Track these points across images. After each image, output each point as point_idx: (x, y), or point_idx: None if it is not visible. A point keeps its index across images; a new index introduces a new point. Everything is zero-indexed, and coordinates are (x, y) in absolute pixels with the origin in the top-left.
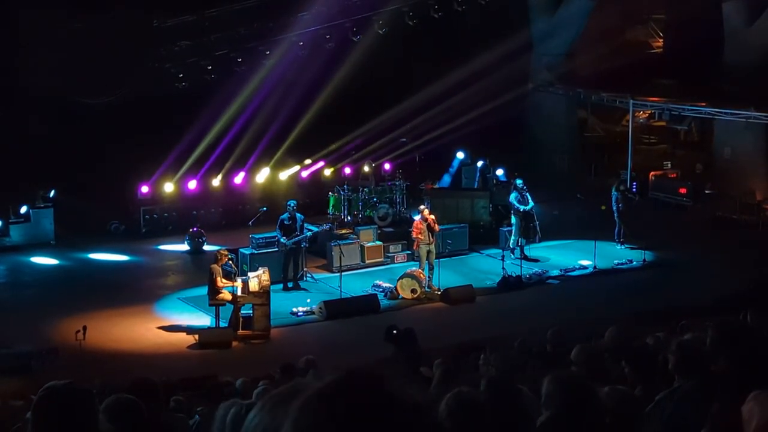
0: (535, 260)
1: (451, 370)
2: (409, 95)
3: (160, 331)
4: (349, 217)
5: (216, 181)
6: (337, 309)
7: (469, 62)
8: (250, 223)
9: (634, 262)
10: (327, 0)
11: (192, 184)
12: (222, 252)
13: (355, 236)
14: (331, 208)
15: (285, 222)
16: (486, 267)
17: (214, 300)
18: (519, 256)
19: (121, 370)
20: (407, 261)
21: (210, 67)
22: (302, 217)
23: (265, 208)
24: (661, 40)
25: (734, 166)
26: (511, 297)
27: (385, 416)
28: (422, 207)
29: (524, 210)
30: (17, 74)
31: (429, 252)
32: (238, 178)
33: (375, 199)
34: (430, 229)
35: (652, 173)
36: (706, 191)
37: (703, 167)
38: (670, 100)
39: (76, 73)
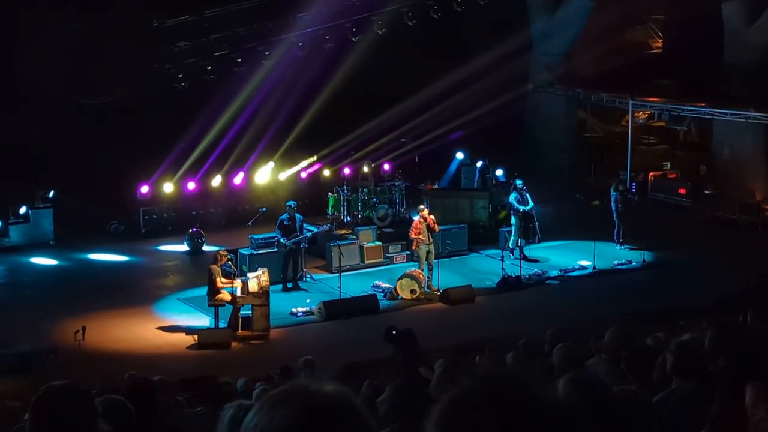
0: (535, 260)
1: (449, 370)
2: (408, 96)
3: (160, 331)
4: (348, 218)
5: (215, 182)
6: (336, 309)
7: (468, 63)
8: (250, 223)
9: (634, 263)
10: (326, 0)
11: (191, 185)
12: (221, 252)
13: (354, 237)
14: (330, 208)
15: (284, 222)
16: (485, 267)
17: (213, 300)
18: (518, 257)
19: (120, 370)
20: (407, 261)
21: (209, 68)
22: (301, 217)
23: (264, 209)
24: (660, 41)
25: (734, 166)
26: (510, 297)
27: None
28: (421, 207)
29: (524, 210)
30: (17, 74)
31: (428, 252)
32: (238, 179)
33: (374, 200)
34: (429, 229)
35: (651, 174)
36: (706, 192)
37: (707, 168)
38: (670, 100)
39: (75, 74)
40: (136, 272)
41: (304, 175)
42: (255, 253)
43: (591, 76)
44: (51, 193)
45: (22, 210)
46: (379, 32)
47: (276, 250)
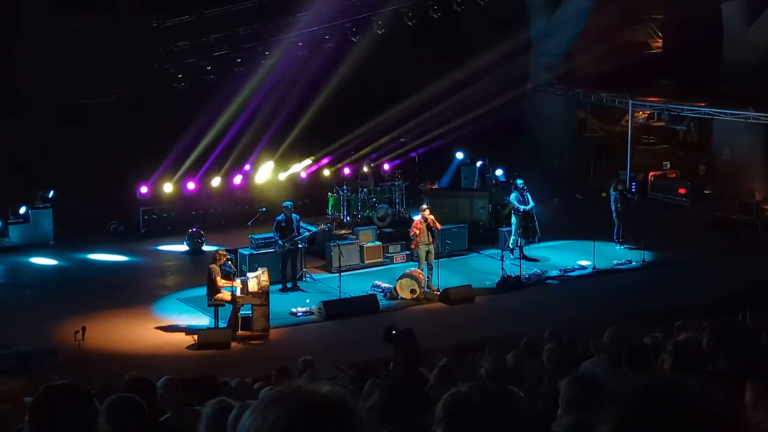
0: (535, 260)
1: (448, 370)
2: (408, 96)
3: (159, 331)
4: (348, 218)
5: (215, 182)
6: (336, 309)
7: (468, 62)
8: (249, 223)
9: (634, 263)
10: (326, 0)
11: (191, 185)
12: (221, 252)
13: (354, 236)
14: (330, 208)
15: (281, 224)
16: (485, 267)
17: (213, 300)
18: (518, 256)
19: (119, 370)
20: (406, 261)
21: (209, 68)
22: (298, 217)
23: (264, 209)
24: (660, 41)
25: (733, 166)
26: (510, 297)
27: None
28: (423, 206)
29: (524, 210)
30: (16, 74)
31: (428, 252)
32: (237, 179)
33: (374, 200)
34: (429, 228)
35: (651, 173)
36: (706, 191)
37: (706, 168)
38: (670, 100)
39: (75, 74)
40: (136, 272)
41: (303, 174)
42: (255, 252)
43: (591, 75)
44: (51, 193)
45: (22, 210)
46: (379, 32)
47: (275, 250)
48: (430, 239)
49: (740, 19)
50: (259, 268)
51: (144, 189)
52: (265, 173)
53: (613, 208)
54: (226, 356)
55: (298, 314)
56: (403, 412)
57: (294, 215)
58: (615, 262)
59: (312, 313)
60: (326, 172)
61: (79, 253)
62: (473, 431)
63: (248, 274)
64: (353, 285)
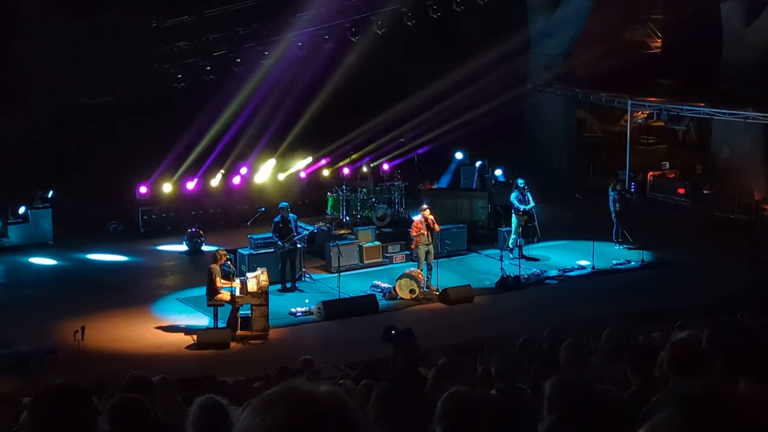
0: (535, 259)
1: (445, 370)
2: (407, 95)
3: (159, 331)
4: (347, 218)
5: (215, 182)
6: (335, 309)
7: (467, 62)
8: (249, 223)
9: (633, 263)
10: (326, 0)
11: (191, 185)
12: (220, 252)
13: (353, 236)
14: (329, 208)
15: (279, 225)
16: (484, 267)
17: (212, 300)
18: (517, 256)
19: (119, 370)
20: (406, 261)
21: (209, 68)
22: (295, 216)
23: (263, 209)
24: (659, 40)
25: (732, 166)
26: (509, 297)
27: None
28: (423, 206)
29: (524, 209)
30: (16, 74)
31: (428, 252)
32: (237, 179)
33: (373, 200)
34: (429, 228)
35: (650, 173)
36: (705, 191)
37: (703, 168)
38: (669, 100)
39: (74, 74)
40: (135, 272)
41: (303, 174)
42: (254, 252)
43: (590, 75)
44: (50, 193)
45: (21, 210)
46: (379, 32)
47: (274, 251)
48: (430, 239)
49: (739, 19)
50: (258, 268)
51: (143, 189)
52: (265, 173)
53: (611, 208)
54: (226, 356)
55: (298, 314)
56: (402, 412)
57: (291, 215)
58: (614, 262)
59: (311, 313)
60: (325, 172)
61: (78, 253)
62: (473, 431)
63: (247, 274)
64: (353, 285)
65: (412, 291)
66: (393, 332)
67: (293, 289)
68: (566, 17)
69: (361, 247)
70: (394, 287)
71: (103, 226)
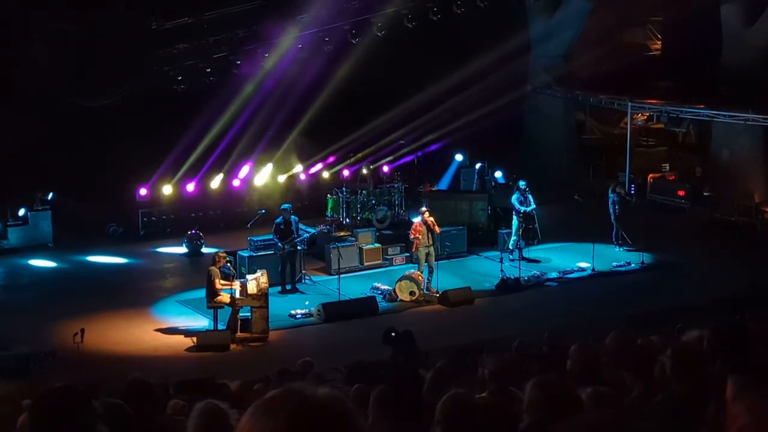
0: (535, 261)
1: (442, 372)
2: (407, 98)
3: (158, 333)
4: (347, 220)
5: (214, 184)
6: (335, 311)
7: (467, 64)
8: (249, 225)
9: (633, 265)
10: (326, 2)
11: (190, 187)
12: (220, 254)
13: (353, 238)
14: (329, 210)
15: (281, 226)
16: (484, 269)
17: (212, 302)
18: (517, 258)
19: (119, 372)
20: (406, 263)
21: (208, 70)
22: (297, 219)
23: (263, 211)
24: (659, 42)
25: (732, 168)
26: (509, 299)
27: None
28: (423, 209)
29: (525, 211)
30: (15, 76)
31: (428, 254)
32: (237, 181)
33: (373, 202)
34: (430, 230)
35: (650, 175)
36: (705, 193)
37: (702, 170)
38: (669, 102)
39: (74, 75)
40: (135, 274)
41: (303, 177)
42: (254, 255)
43: (590, 77)
44: (50, 195)
45: (21, 212)
46: (379, 34)
47: (274, 252)
48: (430, 241)
49: (739, 21)
50: (258, 270)
51: (143, 191)
52: (265, 175)
53: (611, 210)
54: (225, 358)
55: (298, 316)
56: (401, 415)
57: (293, 217)
58: (614, 264)
59: (311, 315)
60: (325, 174)
61: (78, 255)
62: None
63: (247, 276)
64: (352, 287)
65: (412, 293)
66: (393, 334)
67: (293, 291)
68: (566, 19)
69: (361, 249)
70: (394, 289)
71: (102, 228)
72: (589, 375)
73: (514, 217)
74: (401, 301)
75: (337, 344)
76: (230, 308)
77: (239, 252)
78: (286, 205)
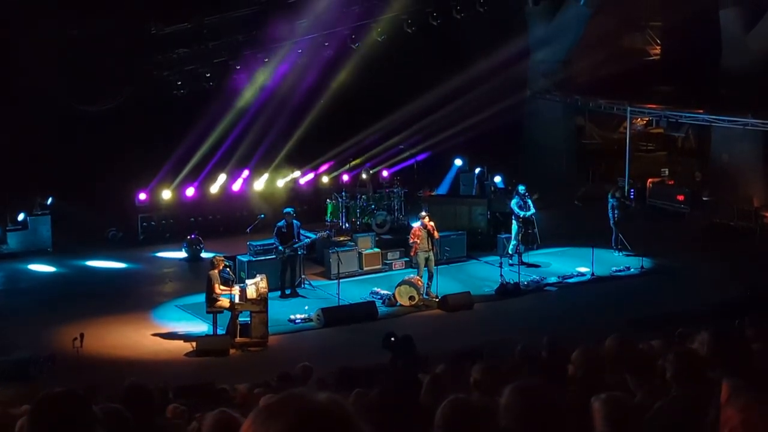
0: (534, 266)
1: (439, 378)
2: (407, 102)
3: (158, 338)
4: (347, 224)
5: (214, 188)
6: (335, 316)
7: (467, 69)
8: (248, 230)
9: (632, 269)
10: (326, 7)
11: (190, 191)
12: (218, 258)
13: (353, 243)
14: (329, 215)
15: (282, 230)
16: (484, 274)
17: (211, 307)
18: (517, 262)
19: (118, 377)
20: (405, 268)
21: (208, 75)
22: (299, 224)
23: (263, 215)
24: (658, 47)
25: (732, 172)
26: (509, 304)
27: None
28: (423, 213)
29: (524, 216)
30: (14, 81)
31: (428, 259)
32: (236, 185)
33: (373, 206)
34: (429, 235)
35: (649, 180)
36: (704, 198)
37: (702, 174)
38: (668, 107)
39: (73, 80)
40: (135, 279)
41: (302, 182)
42: (253, 259)
43: (589, 82)
44: (49, 200)
45: (20, 217)
46: (379, 39)
47: (274, 256)
48: (430, 246)
49: (739, 26)
50: (257, 275)
51: (143, 196)
52: (264, 180)
53: (610, 215)
54: (225, 363)
55: (297, 321)
56: (400, 420)
57: (295, 221)
58: (614, 268)
59: (311, 320)
60: (325, 179)
61: (77, 260)
62: None
63: (247, 281)
64: (352, 292)
65: (411, 298)
66: (392, 339)
67: (293, 295)
68: (565, 24)
69: (360, 253)
70: (394, 294)
71: (102, 232)
72: (592, 380)
73: (514, 221)
74: (401, 305)
75: (336, 349)
76: (230, 313)
77: (239, 257)
78: (288, 209)
